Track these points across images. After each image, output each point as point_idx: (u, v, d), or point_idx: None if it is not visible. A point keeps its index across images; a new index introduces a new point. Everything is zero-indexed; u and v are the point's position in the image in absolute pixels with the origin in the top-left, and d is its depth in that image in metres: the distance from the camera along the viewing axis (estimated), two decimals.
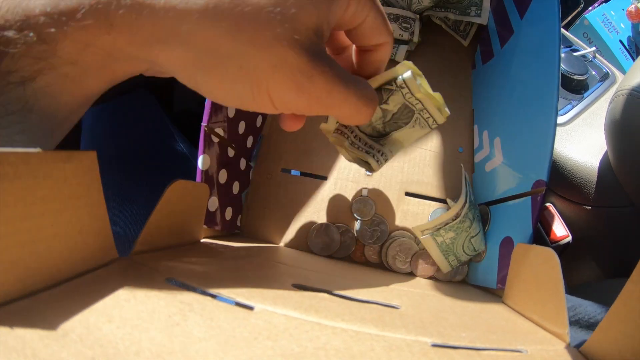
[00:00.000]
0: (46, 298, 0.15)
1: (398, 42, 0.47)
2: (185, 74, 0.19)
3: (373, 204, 0.38)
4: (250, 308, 0.17)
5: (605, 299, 0.18)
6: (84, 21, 0.17)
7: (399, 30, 0.46)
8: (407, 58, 0.47)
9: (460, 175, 0.40)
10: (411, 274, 0.36)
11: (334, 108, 0.22)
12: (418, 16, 0.45)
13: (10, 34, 0.17)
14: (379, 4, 0.22)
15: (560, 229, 0.43)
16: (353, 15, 0.21)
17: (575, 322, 0.27)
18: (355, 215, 0.37)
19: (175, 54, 0.18)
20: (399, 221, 0.38)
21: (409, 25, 0.45)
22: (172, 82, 0.24)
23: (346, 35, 0.24)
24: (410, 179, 0.39)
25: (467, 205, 0.31)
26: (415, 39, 0.46)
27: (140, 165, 0.49)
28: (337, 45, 0.26)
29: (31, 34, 0.17)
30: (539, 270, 0.23)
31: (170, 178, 0.23)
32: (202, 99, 0.24)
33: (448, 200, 0.37)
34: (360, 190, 0.38)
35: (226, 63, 0.18)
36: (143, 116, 0.50)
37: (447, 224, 0.31)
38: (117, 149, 0.50)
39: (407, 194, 0.39)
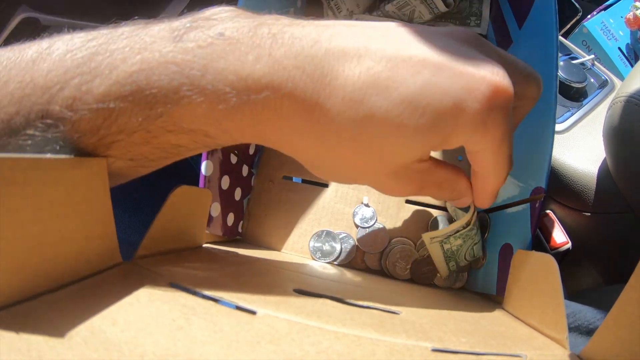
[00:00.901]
0: (51, 301, 0.16)
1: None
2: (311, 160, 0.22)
3: (374, 212, 0.38)
4: (252, 312, 0.17)
5: (605, 305, 0.18)
6: (258, 112, 0.19)
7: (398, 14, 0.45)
8: None
9: None
10: (411, 281, 0.36)
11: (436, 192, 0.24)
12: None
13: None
14: (505, 148, 0.21)
15: (560, 236, 0.43)
16: (469, 147, 0.22)
17: (575, 328, 0.28)
18: (356, 222, 0.38)
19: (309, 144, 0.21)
20: (399, 229, 0.38)
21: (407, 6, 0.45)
22: None
23: None
24: None
25: (476, 213, 0.31)
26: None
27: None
28: None
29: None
30: (538, 277, 0.23)
31: (173, 184, 0.23)
32: None
33: (448, 205, 0.37)
34: (362, 198, 0.39)
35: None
36: None
37: (457, 231, 0.31)
38: None
39: (408, 201, 0.39)
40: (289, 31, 0.19)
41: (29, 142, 0.17)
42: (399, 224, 0.38)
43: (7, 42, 0.48)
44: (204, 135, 0.20)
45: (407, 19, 0.45)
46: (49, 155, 0.15)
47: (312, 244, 0.37)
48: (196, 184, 0.28)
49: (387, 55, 0.19)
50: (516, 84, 0.20)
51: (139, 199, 0.47)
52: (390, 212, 0.38)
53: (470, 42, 0.21)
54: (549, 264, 0.22)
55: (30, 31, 0.48)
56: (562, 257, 0.43)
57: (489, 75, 0.19)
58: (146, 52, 0.18)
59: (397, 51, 0.19)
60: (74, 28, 0.46)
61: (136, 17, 0.20)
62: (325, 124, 0.19)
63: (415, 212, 0.38)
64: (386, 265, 0.36)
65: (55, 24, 0.47)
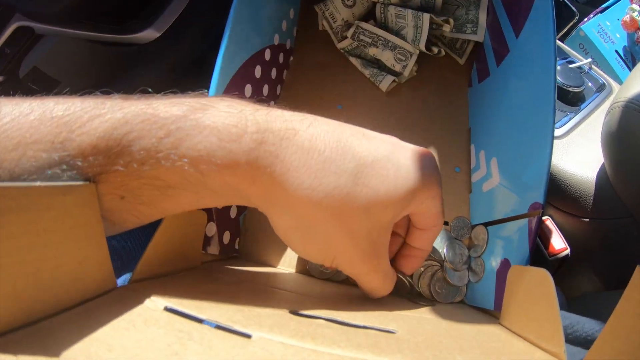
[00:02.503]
0: (47, 327, 0.16)
1: (388, 71, 0.47)
2: (283, 230, 0.25)
3: None
4: (247, 336, 0.17)
5: (604, 312, 0.18)
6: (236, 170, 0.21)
7: (392, 59, 0.46)
8: (394, 89, 0.47)
9: (459, 195, 0.40)
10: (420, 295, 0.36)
11: (365, 283, 0.28)
12: (417, 52, 0.45)
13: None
14: (441, 196, 0.27)
15: (558, 242, 0.43)
16: (421, 210, 0.27)
17: (574, 340, 0.27)
18: None
19: (283, 218, 0.24)
20: None
21: (404, 58, 0.45)
22: None
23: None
24: None
25: None
26: (406, 73, 0.46)
27: None
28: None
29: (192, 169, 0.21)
30: (534, 291, 0.23)
31: None
32: None
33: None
34: None
35: (318, 235, 0.24)
36: None
37: None
38: None
39: None
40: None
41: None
42: None
43: (1, 51, 0.48)
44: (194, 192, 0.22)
45: (409, 39, 0.46)
46: (38, 183, 0.15)
47: (309, 260, 0.37)
48: None
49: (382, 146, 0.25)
50: None
51: None
52: None
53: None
54: (544, 278, 0.22)
55: (24, 40, 0.48)
56: (561, 263, 0.43)
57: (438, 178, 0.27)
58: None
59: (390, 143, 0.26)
60: (69, 38, 0.46)
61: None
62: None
63: None
64: (422, 287, 0.36)
65: (50, 33, 0.47)
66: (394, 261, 0.30)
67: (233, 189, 0.22)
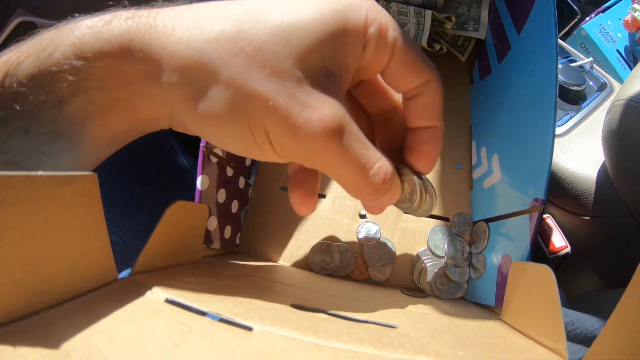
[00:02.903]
0: (48, 318, 0.16)
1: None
2: (187, 116, 0.20)
3: (378, 228, 0.38)
4: (249, 329, 0.17)
5: (605, 310, 0.18)
6: (113, 49, 0.19)
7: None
8: None
9: (460, 191, 0.40)
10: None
11: (329, 167, 0.20)
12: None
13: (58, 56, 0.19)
14: (408, 39, 0.21)
15: (559, 240, 0.43)
16: (374, 57, 0.20)
17: (574, 337, 0.27)
18: (360, 238, 0.38)
19: (172, 89, 0.19)
20: (398, 239, 0.38)
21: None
22: None
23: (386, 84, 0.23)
24: None
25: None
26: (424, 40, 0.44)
27: (140, 177, 0.49)
28: (384, 106, 0.24)
29: (75, 61, 0.19)
30: (535, 287, 0.23)
31: (170, 190, 0.23)
32: None
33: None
34: (359, 210, 0.39)
35: (221, 100, 0.18)
36: None
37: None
38: (118, 160, 0.50)
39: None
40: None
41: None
42: (397, 234, 0.38)
43: (4, 45, 0.48)
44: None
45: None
46: (40, 173, 0.15)
47: (310, 256, 0.37)
48: (194, 191, 0.28)
49: None
50: None
51: (131, 202, 0.47)
52: (388, 222, 0.38)
53: None
54: (546, 274, 0.22)
55: (27, 35, 0.48)
56: (562, 261, 0.43)
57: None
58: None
59: None
60: None
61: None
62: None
63: (414, 222, 0.38)
64: (423, 283, 0.36)
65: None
66: (403, 160, 0.24)
67: (121, 78, 0.19)
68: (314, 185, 0.24)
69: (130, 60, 0.19)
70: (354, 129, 0.19)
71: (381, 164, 0.20)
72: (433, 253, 0.37)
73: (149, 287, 0.19)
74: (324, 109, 0.18)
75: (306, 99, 0.18)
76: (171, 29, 0.19)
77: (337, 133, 0.18)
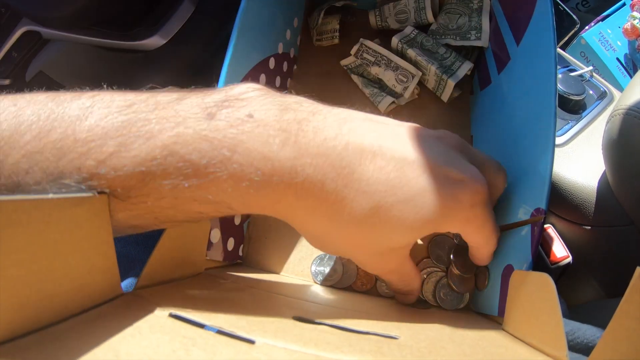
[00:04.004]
0: (54, 333, 0.16)
1: (389, 91, 0.47)
2: (309, 236, 0.27)
3: None
4: (251, 342, 0.17)
5: (606, 320, 0.18)
6: (280, 191, 0.22)
7: (394, 80, 0.46)
8: (391, 111, 0.47)
9: None
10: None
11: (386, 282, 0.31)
12: (420, 74, 0.45)
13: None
14: (489, 226, 0.27)
15: (560, 250, 0.43)
16: (457, 231, 0.27)
17: (574, 346, 0.27)
18: None
19: (311, 227, 0.25)
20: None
21: (405, 79, 0.45)
22: None
23: None
24: None
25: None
26: (407, 95, 0.45)
27: None
28: None
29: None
30: (536, 296, 0.23)
31: None
32: None
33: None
34: None
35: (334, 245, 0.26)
36: None
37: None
38: None
39: None
40: (313, 120, 0.22)
41: (63, 190, 0.18)
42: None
43: (9, 55, 0.48)
44: (227, 207, 0.22)
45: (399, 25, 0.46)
46: (51, 195, 0.15)
47: (313, 267, 0.37)
48: None
49: (396, 157, 0.23)
50: (488, 177, 0.26)
51: None
52: None
53: (457, 147, 0.27)
54: (546, 283, 0.22)
55: (31, 44, 0.48)
56: (563, 271, 0.43)
57: (471, 182, 0.24)
58: (181, 127, 0.19)
59: (404, 154, 0.23)
60: (75, 43, 0.46)
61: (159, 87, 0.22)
62: (340, 207, 0.23)
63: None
64: (427, 294, 0.36)
65: (56, 38, 0.47)
66: None
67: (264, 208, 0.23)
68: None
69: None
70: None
71: (415, 277, 0.31)
72: (436, 264, 0.37)
73: (153, 302, 0.19)
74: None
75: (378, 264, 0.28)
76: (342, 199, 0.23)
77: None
